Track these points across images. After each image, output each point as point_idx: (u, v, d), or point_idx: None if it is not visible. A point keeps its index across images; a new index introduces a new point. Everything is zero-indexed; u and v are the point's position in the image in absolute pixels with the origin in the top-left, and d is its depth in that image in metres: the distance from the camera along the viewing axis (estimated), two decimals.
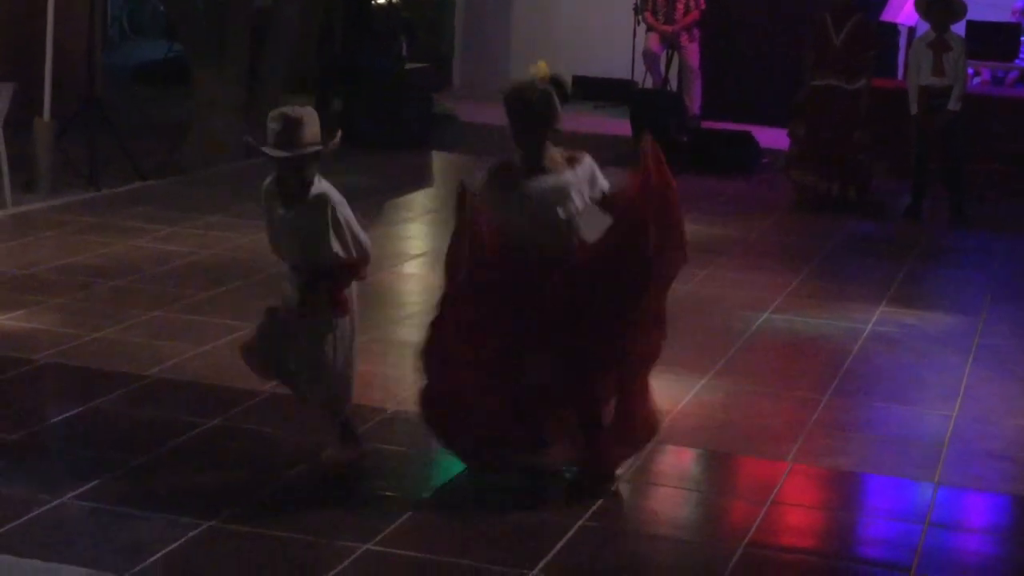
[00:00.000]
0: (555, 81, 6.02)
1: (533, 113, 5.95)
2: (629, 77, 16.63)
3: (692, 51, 15.61)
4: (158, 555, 5.34)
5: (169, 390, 6.98)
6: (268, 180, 6.10)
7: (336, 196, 5.99)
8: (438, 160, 13.97)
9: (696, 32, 15.62)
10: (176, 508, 5.72)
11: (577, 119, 15.61)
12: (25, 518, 5.58)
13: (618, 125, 14.85)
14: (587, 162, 6.04)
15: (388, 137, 14.03)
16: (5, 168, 10.63)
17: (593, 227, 6.08)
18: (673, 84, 15.90)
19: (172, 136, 12.97)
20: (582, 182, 5.99)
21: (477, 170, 6.13)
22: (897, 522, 6.05)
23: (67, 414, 6.74)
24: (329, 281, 6.02)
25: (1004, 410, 7.42)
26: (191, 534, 5.51)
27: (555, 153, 6.01)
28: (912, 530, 5.91)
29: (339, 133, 6.22)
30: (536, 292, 5.93)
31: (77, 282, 8.88)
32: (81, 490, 5.85)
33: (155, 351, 7.58)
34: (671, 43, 15.66)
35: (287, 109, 5.96)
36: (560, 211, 5.93)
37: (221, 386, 6.60)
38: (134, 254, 9.67)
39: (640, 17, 15.96)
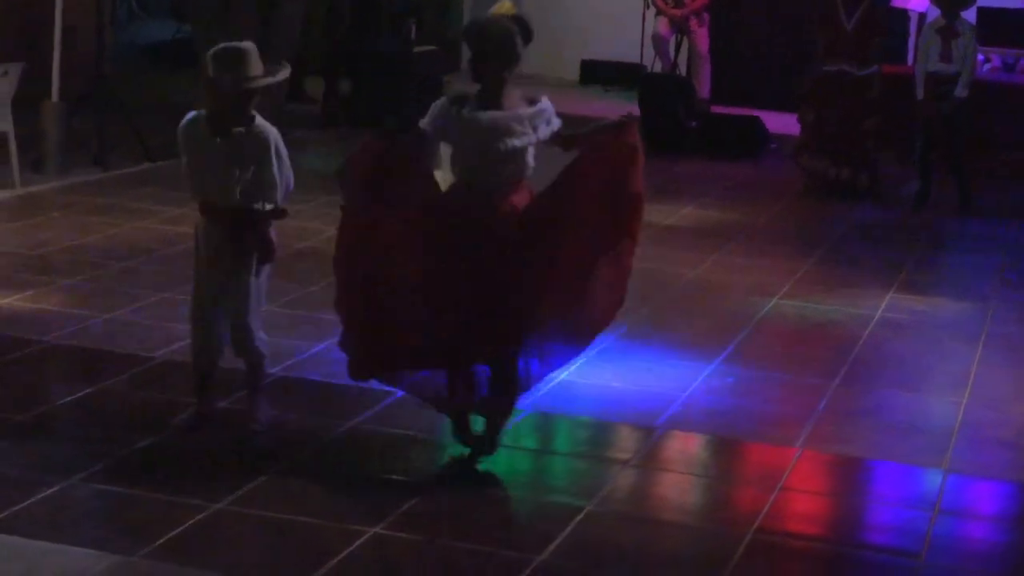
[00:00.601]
0: (518, 20, 6.06)
1: (493, 49, 5.99)
2: (638, 61, 16.59)
3: (701, 36, 15.56)
4: (165, 537, 5.33)
5: (177, 372, 6.96)
6: (191, 118, 6.28)
7: (275, 132, 6.21)
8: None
9: (706, 16, 15.57)
10: (183, 490, 5.71)
11: (586, 103, 15.62)
12: (32, 499, 5.57)
13: (627, 109, 14.79)
14: (544, 102, 6.09)
15: (397, 121, 13.99)
16: (14, 148, 10.62)
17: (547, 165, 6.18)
18: (682, 69, 15.86)
19: (181, 117, 12.92)
20: (536, 119, 6.02)
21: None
22: (906, 509, 6.04)
23: (75, 395, 6.73)
24: (255, 228, 6.19)
25: (1013, 397, 7.41)
26: (198, 516, 5.50)
27: (513, 92, 6.05)
28: (921, 517, 5.90)
29: (287, 66, 6.47)
30: (473, 233, 5.94)
31: (86, 263, 8.87)
32: (89, 472, 5.84)
33: (163, 333, 7.57)
34: (680, 27, 15.61)
35: (231, 44, 6.20)
36: (509, 142, 5.95)
37: (228, 368, 6.58)
38: (142, 235, 9.66)
39: (649, 1, 15.92)
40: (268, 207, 6.21)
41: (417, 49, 14.69)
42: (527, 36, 6.05)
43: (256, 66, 6.11)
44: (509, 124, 5.97)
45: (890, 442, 6.71)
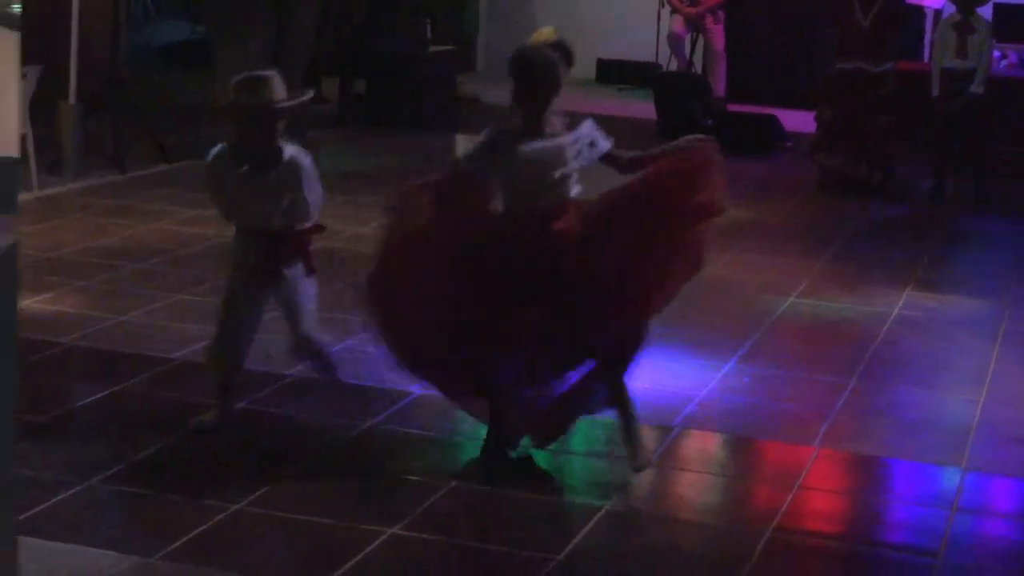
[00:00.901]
0: (560, 47, 6.05)
1: (537, 78, 5.98)
2: (654, 60, 16.59)
3: (717, 33, 15.56)
4: (183, 539, 5.34)
5: (194, 373, 6.97)
6: (217, 152, 6.27)
7: (306, 159, 6.21)
8: (462, 143, 13.95)
9: (721, 14, 15.58)
10: (202, 491, 5.72)
11: (601, 102, 15.62)
12: (52, 501, 5.59)
13: (642, 108, 14.81)
14: (587, 126, 6.07)
15: (411, 120, 14.03)
16: (31, 150, 10.64)
17: (598, 186, 6.17)
18: (698, 67, 15.86)
19: (196, 118, 12.96)
20: (581, 145, 6.01)
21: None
22: (924, 507, 6.03)
23: (93, 397, 6.74)
24: (293, 244, 6.21)
25: None
26: (217, 518, 5.51)
27: (555, 119, 6.04)
28: (939, 515, 5.89)
29: (310, 92, 6.50)
30: (524, 254, 5.94)
31: (103, 265, 8.89)
32: (107, 473, 5.86)
33: (181, 334, 7.59)
34: (696, 25, 15.61)
35: (252, 72, 6.19)
36: (556, 173, 5.95)
37: (246, 370, 6.59)
38: (159, 237, 9.68)
39: None
40: (307, 225, 6.25)
41: (432, 48, 14.71)
42: (569, 61, 6.05)
43: (279, 90, 6.12)
44: (555, 155, 5.96)
45: (908, 440, 6.70)
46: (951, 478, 6.27)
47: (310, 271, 6.31)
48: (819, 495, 6.14)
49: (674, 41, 15.64)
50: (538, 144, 5.97)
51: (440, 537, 5.47)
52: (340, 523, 5.52)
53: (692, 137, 6.25)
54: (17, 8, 3.77)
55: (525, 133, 6.01)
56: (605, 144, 6.09)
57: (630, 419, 6.17)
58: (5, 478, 3.92)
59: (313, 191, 6.23)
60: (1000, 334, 8.33)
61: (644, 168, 6.15)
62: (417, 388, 6.81)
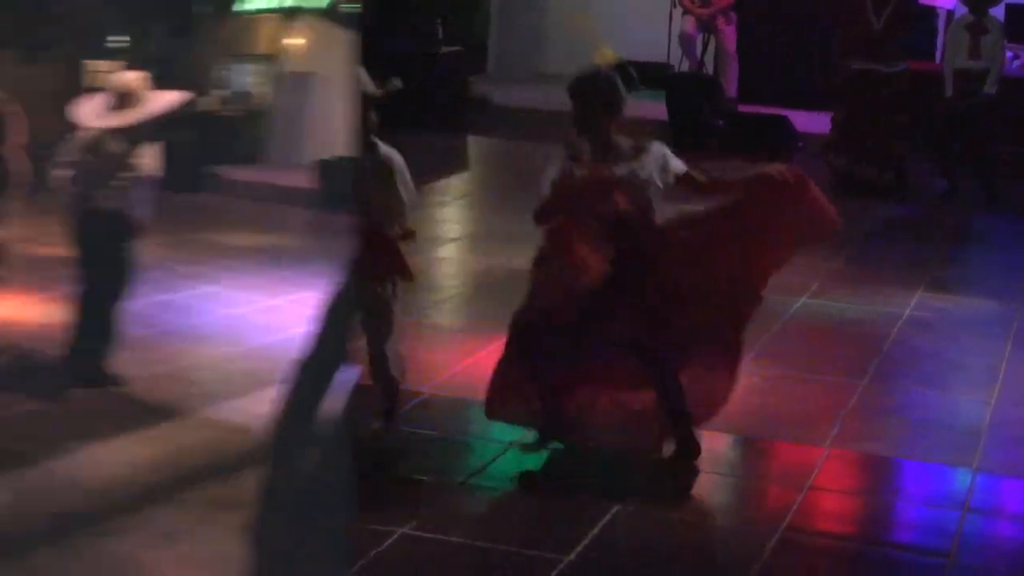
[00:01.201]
0: (621, 68, 6.03)
1: (598, 100, 5.96)
2: (665, 60, 16.57)
3: (728, 34, 15.54)
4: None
5: None
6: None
7: (399, 158, 6.22)
8: (473, 144, 13.96)
9: (733, 15, 15.55)
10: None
11: None
12: None
13: (654, 109, 14.78)
14: (655, 149, 6.02)
15: (422, 121, 14.01)
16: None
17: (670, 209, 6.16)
18: (709, 67, 15.84)
19: None
20: (652, 169, 5.96)
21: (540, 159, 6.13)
22: (935, 508, 6.02)
23: None
24: (379, 245, 6.14)
25: None
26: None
27: (621, 141, 6.01)
28: (950, 516, 5.88)
29: (398, 82, 6.40)
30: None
31: None
32: None
33: None
34: (707, 26, 15.59)
35: None
36: (628, 196, 5.91)
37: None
38: None
39: (676, 0, 15.91)
40: (398, 230, 6.20)
41: (444, 49, 14.71)
42: (630, 85, 6.02)
43: (367, 82, 6.09)
44: (627, 177, 5.91)
45: (919, 441, 6.69)
46: (962, 479, 6.26)
47: (405, 277, 6.24)
48: (829, 495, 6.13)
49: (685, 42, 15.62)
50: (610, 168, 5.92)
51: (450, 537, 5.46)
52: (350, 523, 5.51)
53: (775, 165, 6.22)
54: (354, 8, 3.71)
55: (597, 157, 5.96)
56: (680, 166, 6.04)
57: (676, 416, 6.17)
58: None
59: (407, 191, 6.17)
60: (1012, 335, 8.32)
61: (727, 191, 6.11)
62: (425, 389, 6.82)
